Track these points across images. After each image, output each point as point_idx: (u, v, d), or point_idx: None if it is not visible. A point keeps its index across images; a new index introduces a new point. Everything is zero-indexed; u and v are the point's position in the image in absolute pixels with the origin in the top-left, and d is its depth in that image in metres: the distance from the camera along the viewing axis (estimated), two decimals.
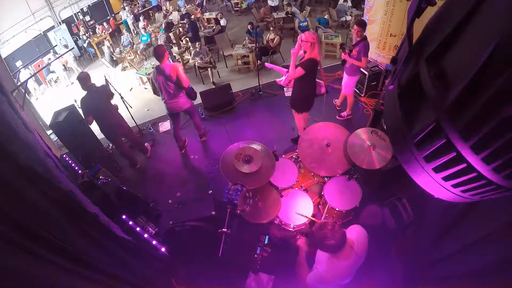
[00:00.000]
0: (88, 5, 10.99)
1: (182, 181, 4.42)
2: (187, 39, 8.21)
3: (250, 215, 2.86)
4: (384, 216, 2.99)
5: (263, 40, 7.53)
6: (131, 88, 7.62)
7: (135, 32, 11.27)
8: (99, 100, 3.99)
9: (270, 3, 10.15)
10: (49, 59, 8.91)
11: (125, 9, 11.44)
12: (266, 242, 2.74)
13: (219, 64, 7.70)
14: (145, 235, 3.03)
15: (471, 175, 0.71)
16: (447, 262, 1.97)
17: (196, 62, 6.96)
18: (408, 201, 2.97)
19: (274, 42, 7.06)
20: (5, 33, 8.42)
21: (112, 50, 9.06)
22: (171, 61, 4.51)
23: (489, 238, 1.51)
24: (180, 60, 7.77)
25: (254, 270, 2.65)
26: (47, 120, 4.92)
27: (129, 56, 9.01)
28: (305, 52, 3.33)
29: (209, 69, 6.99)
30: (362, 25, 3.93)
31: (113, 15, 11.87)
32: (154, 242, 3.01)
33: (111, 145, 5.11)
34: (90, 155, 4.50)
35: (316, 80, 3.67)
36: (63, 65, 9.16)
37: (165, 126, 5.60)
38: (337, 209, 2.87)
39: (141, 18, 10.48)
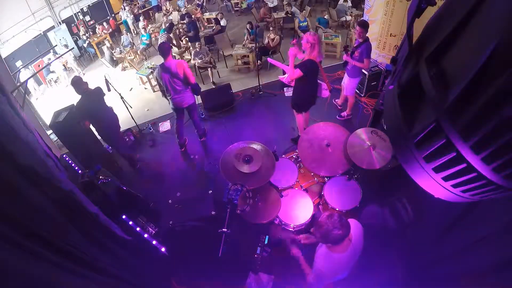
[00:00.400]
0: (88, 5, 10.98)
1: (182, 181, 4.41)
2: (187, 39, 8.21)
3: (250, 215, 2.85)
4: (384, 216, 2.99)
5: (263, 40, 7.53)
6: (131, 88, 7.62)
7: (135, 32, 11.26)
8: (95, 103, 3.98)
9: (269, 4, 10.15)
10: (49, 59, 8.89)
11: (125, 9, 11.43)
12: (266, 242, 2.73)
13: (219, 64, 7.69)
14: (145, 235, 3.03)
15: (471, 175, 0.71)
16: (447, 262, 1.97)
17: (196, 62, 6.96)
18: (408, 201, 2.97)
19: (274, 42, 7.06)
20: (5, 33, 8.41)
21: (112, 51, 9.06)
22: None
23: (488, 238, 1.51)
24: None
25: (254, 270, 2.65)
26: (47, 120, 4.91)
27: (129, 56, 9.01)
28: (304, 52, 3.33)
29: (209, 69, 6.99)
30: (365, 26, 3.86)
31: (113, 15, 11.86)
32: (154, 242, 3.01)
33: None
34: (90, 155, 4.50)
35: (320, 82, 3.65)
36: (63, 65, 9.16)
37: (165, 126, 5.60)
38: (337, 209, 2.87)
39: (141, 18, 10.47)
